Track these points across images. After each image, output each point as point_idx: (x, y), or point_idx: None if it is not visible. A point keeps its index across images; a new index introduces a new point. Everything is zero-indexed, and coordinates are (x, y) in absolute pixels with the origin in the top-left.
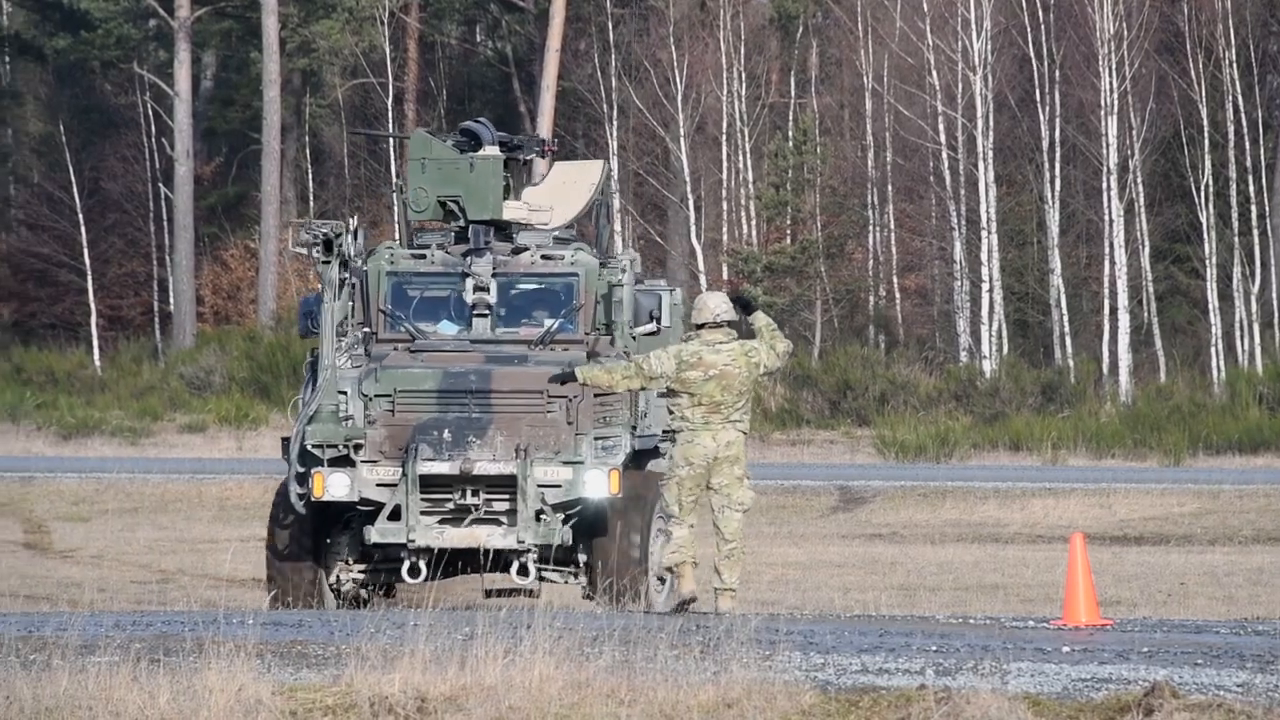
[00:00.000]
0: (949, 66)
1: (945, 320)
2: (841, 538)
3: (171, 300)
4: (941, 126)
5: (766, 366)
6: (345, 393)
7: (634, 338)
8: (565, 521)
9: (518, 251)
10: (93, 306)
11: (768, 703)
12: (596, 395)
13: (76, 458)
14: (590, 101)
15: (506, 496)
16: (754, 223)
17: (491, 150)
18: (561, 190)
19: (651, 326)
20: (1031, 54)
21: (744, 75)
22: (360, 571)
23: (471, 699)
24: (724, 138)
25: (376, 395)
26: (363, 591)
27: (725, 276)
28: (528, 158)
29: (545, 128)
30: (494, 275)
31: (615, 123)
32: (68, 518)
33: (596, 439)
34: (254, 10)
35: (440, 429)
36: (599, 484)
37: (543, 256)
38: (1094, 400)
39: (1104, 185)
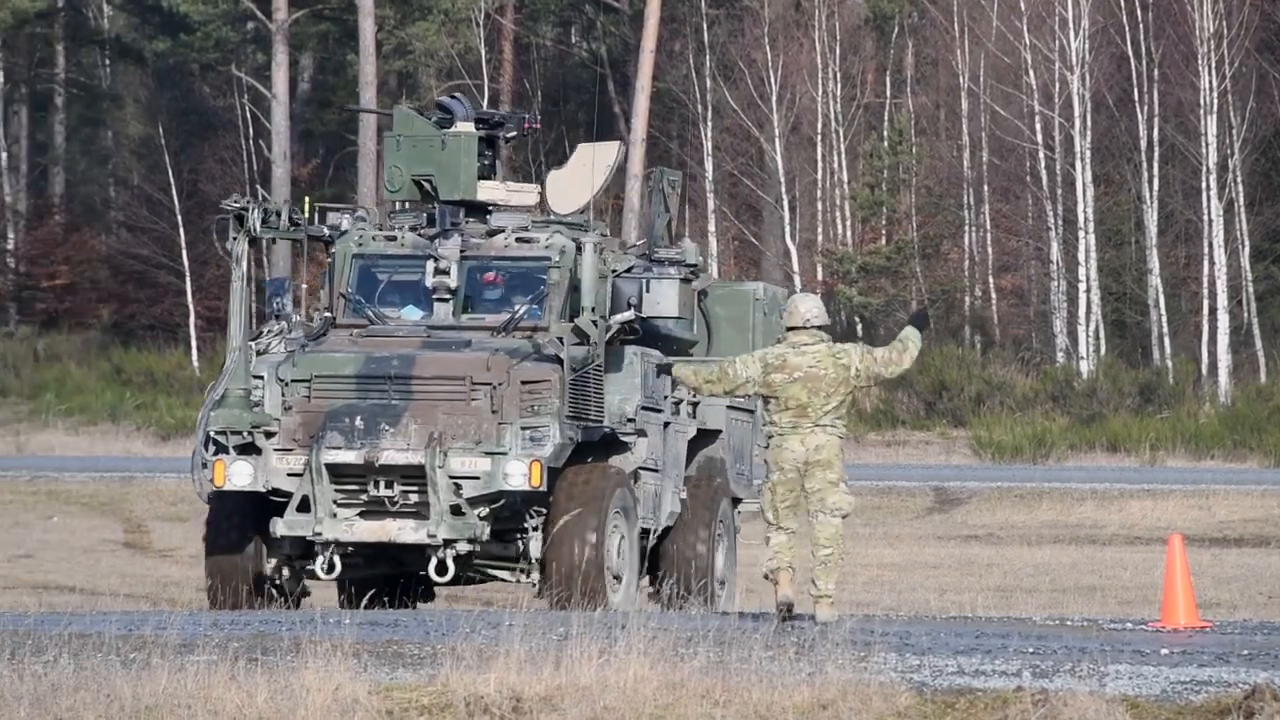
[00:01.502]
0: (1046, 66)
1: (1042, 320)
2: (937, 539)
3: (268, 301)
4: (1038, 126)
5: (861, 371)
6: (261, 377)
7: (609, 326)
8: (492, 516)
9: (492, 234)
10: (191, 307)
11: (863, 704)
12: (525, 382)
13: (175, 458)
14: (685, 102)
15: (421, 488)
16: (849, 223)
17: (465, 127)
18: (582, 172)
19: (629, 314)
20: (1130, 53)
21: (839, 75)
22: (286, 567)
23: (566, 699)
24: (819, 138)
25: (293, 380)
26: (283, 586)
27: (820, 277)
28: (509, 135)
29: (640, 129)
30: (463, 258)
31: (710, 123)
32: (166, 517)
33: (523, 429)
34: (351, 12)
35: (353, 416)
36: (519, 476)
37: (517, 239)
38: (1193, 401)
39: (1203, 185)
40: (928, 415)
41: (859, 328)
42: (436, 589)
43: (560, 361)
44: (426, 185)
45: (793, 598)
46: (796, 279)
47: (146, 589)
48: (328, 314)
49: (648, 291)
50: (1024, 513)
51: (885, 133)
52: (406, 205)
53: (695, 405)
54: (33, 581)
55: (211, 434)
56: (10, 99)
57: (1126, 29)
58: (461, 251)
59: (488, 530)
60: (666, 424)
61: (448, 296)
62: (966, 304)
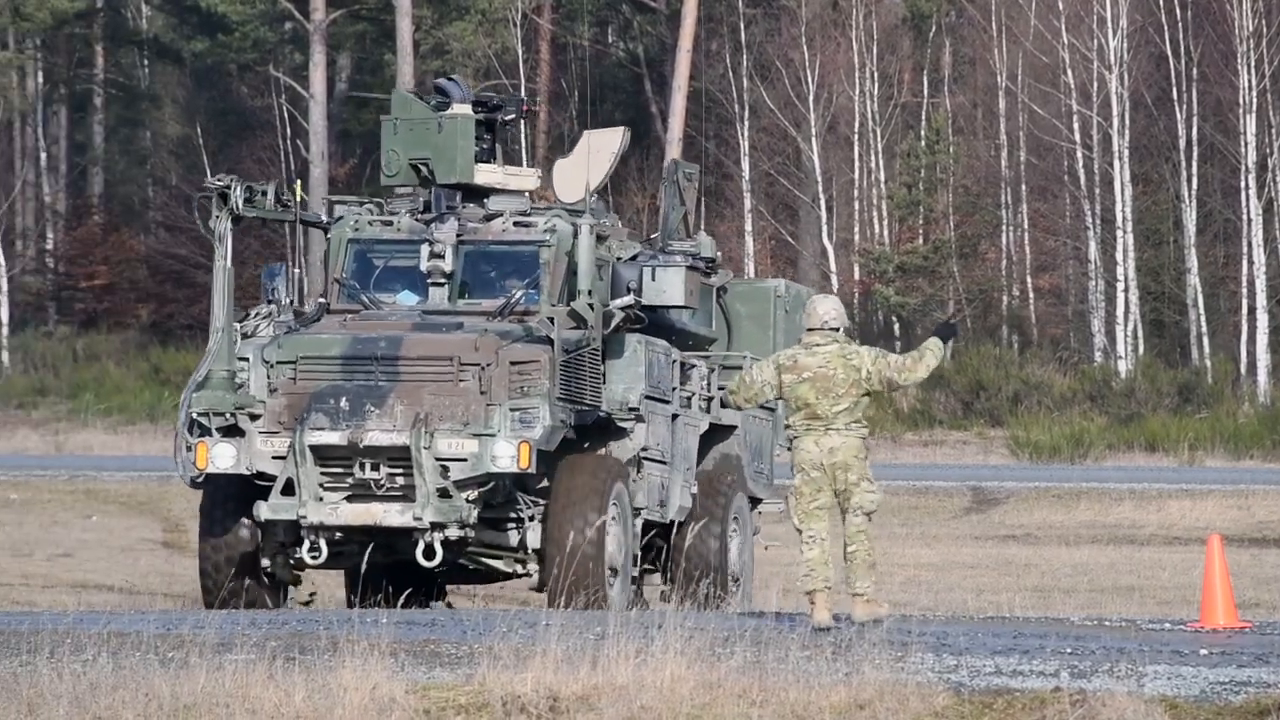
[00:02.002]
0: (1084, 65)
1: (1080, 320)
2: (974, 539)
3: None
4: (1076, 125)
5: (872, 374)
6: (247, 359)
7: (610, 312)
8: (481, 500)
9: (489, 218)
10: None
11: (900, 704)
12: (514, 363)
13: None
14: (722, 102)
15: (407, 471)
16: (886, 223)
17: (462, 109)
18: (589, 160)
19: (629, 300)
20: (1169, 52)
21: (876, 75)
22: (278, 554)
23: (603, 699)
24: (856, 137)
25: (279, 362)
26: (274, 574)
27: (856, 277)
28: (508, 118)
29: (676, 128)
30: (459, 242)
31: (747, 123)
32: None
33: (512, 410)
34: (388, 12)
35: (338, 397)
36: (508, 457)
37: (515, 223)
38: (1232, 400)
39: (1242, 184)
40: (965, 415)
41: (896, 327)
42: (450, 587)
43: (551, 343)
44: (424, 169)
45: (829, 622)
46: (833, 279)
47: (185, 588)
48: (322, 300)
49: (652, 279)
50: (1062, 513)
51: (922, 132)
52: (413, 191)
53: (710, 400)
54: (71, 580)
55: (194, 415)
56: (49, 99)
57: (1165, 28)
58: (458, 236)
59: (475, 514)
60: (675, 416)
61: (443, 281)
62: (1004, 304)
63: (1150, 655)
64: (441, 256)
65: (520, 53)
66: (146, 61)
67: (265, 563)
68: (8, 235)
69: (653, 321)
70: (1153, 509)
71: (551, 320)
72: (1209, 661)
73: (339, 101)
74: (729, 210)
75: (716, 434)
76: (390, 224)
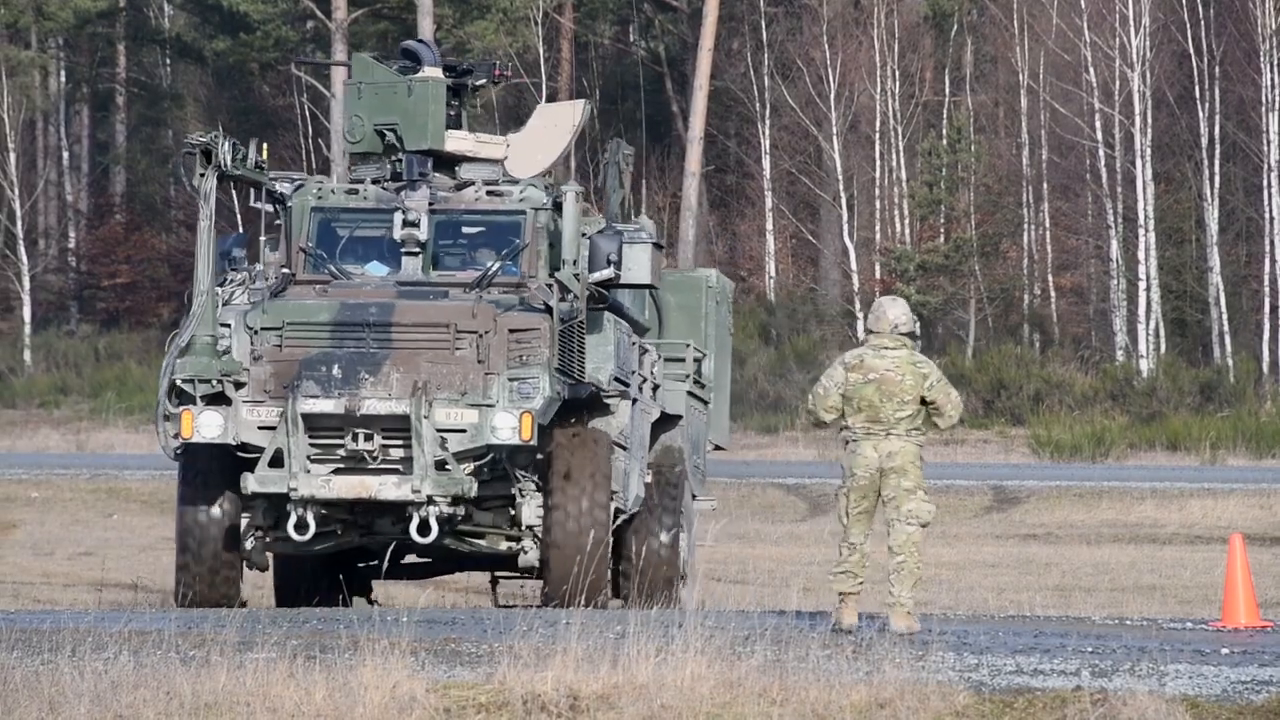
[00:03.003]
0: (1106, 63)
1: (1101, 319)
2: (995, 538)
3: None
4: (1098, 124)
5: (934, 386)
6: (229, 325)
7: (589, 283)
8: (475, 474)
9: (461, 186)
10: None
11: (921, 703)
12: (513, 331)
13: None
14: (743, 100)
15: (404, 442)
16: (907, 221)
17: (433, 72)
18: (543, 135)
19: (609, 272)
20: (1191, 50)
21: (898, 73)
22: (259, 535)
23: (624, 697)
24: (877, 136)
25: (263, 329)
26: (249, 558)
27: (878, 275)
28: (478, 83)
29: (697, 127)
30: (430, 211)
31: (768, 121)
32: None
33: (511, 380)
34: (410, 11)
35: (330, 365)
36: (509, 429)
37: (488, 192)
38: (1254, 399)
39: (1265, 182)
40: (986, 414)
41: (917, 326)
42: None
43: (550, 311)
44: (390, 135)
45: (854, 626)
46: (854, 277)
47: None
48: (285, 270)
49: (619, 258)
50: (1083, 512)
51: (944, 131)
52: (378, 158)
53: (656, 387)
54: (93, 579)
55: (178, 382)
56: (72, 98)
57: (1187, 25)
58: (430, 204)
59: (475, 487)
60: (634, 400)
61: (417, 250)
62: (1025, 303)
63: (1171, 654)
64: (416, 225)
65: (541, 51)
66: (168, 60)
67: (247, 544)
68: (30, 234)
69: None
70: (1174, 508)
71: (551, 287)
72: (1230, 661)
73: None
74: (750, 209)
75: (663, 424)
76: (355, 192)
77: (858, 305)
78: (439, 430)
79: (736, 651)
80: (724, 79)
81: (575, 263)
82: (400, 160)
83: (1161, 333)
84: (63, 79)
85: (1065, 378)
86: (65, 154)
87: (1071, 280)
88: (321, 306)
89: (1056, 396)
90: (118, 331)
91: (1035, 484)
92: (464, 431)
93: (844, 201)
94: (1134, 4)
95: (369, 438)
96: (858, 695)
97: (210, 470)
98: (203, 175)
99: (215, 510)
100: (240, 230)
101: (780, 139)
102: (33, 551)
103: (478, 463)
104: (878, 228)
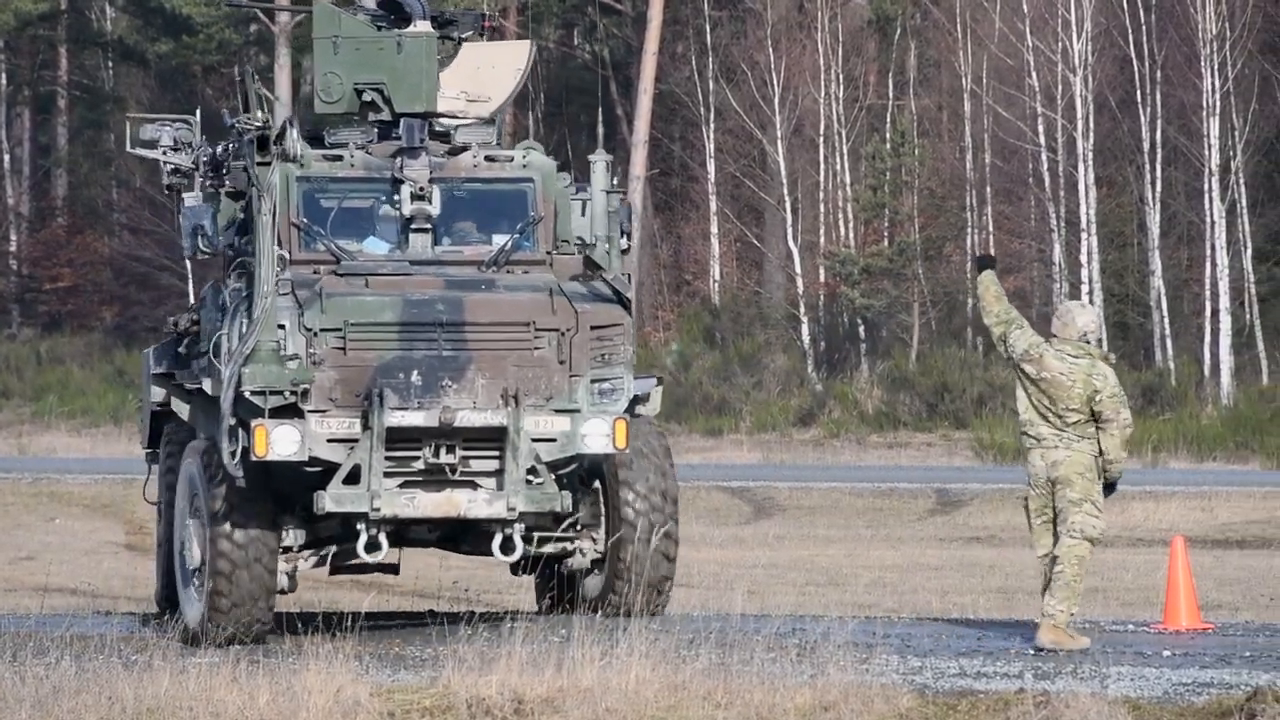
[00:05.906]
0: (1049, 67)
1: (1044, 322)
2: (939, 540)
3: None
4: (1041, 128)
5: (1104, 402)
6: (284, 327)
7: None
8: (562, 484)
9: (455, 152)
10: None
11: (865, 706)
12: (595, 328)
13: None
14: (687, 104)
15: (491, 453)
16: (851, 225)
17: (424, 26)
18: (477, 76)
19: (622, 243)
20: (1132, 54)
21: (842, 77)
22: (309, 556)
23: (568, 701)
24: (821, 140)
25: (323, 330)
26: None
27: (822, 279)
28: (463, 36)
29: (642, 130)
30: (430, 180)
31: (712, 125)
32: None
33: (594, 382)
34: None
35: (407, 371)
36: (601, 436)
37: (486, 158)
38: (1195, 402)
39: (1205, 186)
40: (929, 417)
41: (861, 329)
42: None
43: (627, 305)
44: (374, 95)
45: (1087, 646)
46: (799, 281)
47: (149, 591)
48: (278, 250)
49: (629, 219)
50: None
51: (887, 134)
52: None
53: None
54: (34, 583)
55: (247, 394)
56: (13, 101)
57: (1129, 30)
58: (430, 173)
59: (570, 501)
60: (659, 382)
61: (427, 226)
62: (969, 306)
63: (1114, 657)
64: (425, 198)
65: None
66: (110, 63)
67: (285, 565)
68: None
69: None
70: (1116, 510)
71: (628, 277)
72: (1172, 663)
73: (304, 103)
74: (694, 213)
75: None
76: (340, 159)
77: (802, 309)
78: (531, 441)
79: (681, 655)
80: (669, 83)
81: (609, 239)
82: (381, 122)
83: (1104, 336)
84: (3, 81)
85: (1008, 381)
86: (6, 157)
87: (1014, 283)
88: (384, 304)
89: (999, 399)
90: (60, 335)
91: (978, 487)
92: (554, 441)
93: (788, 205)
94: (1076, 8)
95: (450, 449)
96: (802, 698)
97: (250, 488)
98: (264, 164)
99: (253, 531)
100: (197, 193)
101: (725, 143)
102: None
103: (560, 473)
104: (822, 231)
